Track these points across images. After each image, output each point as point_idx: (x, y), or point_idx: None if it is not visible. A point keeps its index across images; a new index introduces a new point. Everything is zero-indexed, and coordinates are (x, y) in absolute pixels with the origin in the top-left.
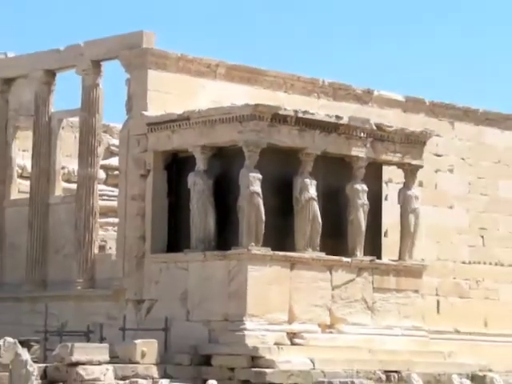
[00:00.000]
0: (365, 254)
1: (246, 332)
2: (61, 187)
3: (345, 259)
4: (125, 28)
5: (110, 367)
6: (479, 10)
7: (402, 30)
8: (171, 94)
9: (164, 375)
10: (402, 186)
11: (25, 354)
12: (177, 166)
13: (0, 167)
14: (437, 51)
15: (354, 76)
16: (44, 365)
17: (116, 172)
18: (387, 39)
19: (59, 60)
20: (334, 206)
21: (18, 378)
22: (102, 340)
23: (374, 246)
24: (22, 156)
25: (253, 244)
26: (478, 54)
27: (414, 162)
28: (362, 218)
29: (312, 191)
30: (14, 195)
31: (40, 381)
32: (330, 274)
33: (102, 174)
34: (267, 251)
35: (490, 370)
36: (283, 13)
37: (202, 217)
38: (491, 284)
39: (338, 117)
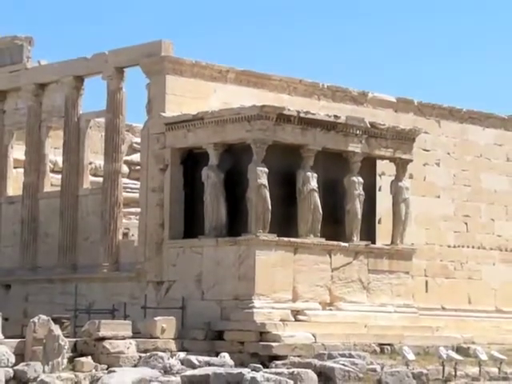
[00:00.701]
0: (361, 240)
1: (254, 310)
2: (88, 181)
3: (343, 244)
4: (145, 37)
5: (133, 342)
6: (464, 15)
7: (394, 37)
8: (186, 97)
9: (181, 349)
10: (393, 178)
11: (57, 330)
12: (192, 161)
13: (34, 163)
14: (425, 54)
15: (350, 79)
16: (74, 339)
17: (138, 167)
18: (380, 44)
19: (86, 67)
20: (333, 197)
21: (51, 352)
22: (125, 317)
23: (368, 232)
24: (54, 153)
25: (260, 231)
26: (461, 56)
27: (404, 157)
28: (358, 207)
29: (313, 183)
30: (47, 188)
31: (70, 354)
32: (330, 257)
33: (125, 169)
34: (273, 237)
35: (474, 343)
36: (287, 20)
37: (214, 206)
38: (474, 265)
39: (336, 116)
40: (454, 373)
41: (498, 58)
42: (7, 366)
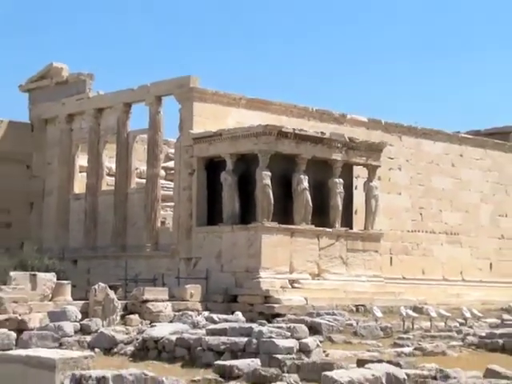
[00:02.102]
0: (341, 226)
1: (260, 279)
2: (135, 182)
3: (327, 230)
4: (177, 71)
5: (169, 303)
6: (421, 51)
7: (367, 71)
8: (209, 118)
9: (205, 309)
10: (366, 179)
11: (112, 294)
12: (213, 167)
13: (94, 168)
14: (390, 84)
15: (333, 103)
16: (125, 301)
17: (172, 171)
18: (356, 76)
19: (133, 96)
20: (320, 194)
21: (107, 311)
22: (163, 285)
23: (347, 221)
24: (109, 161)
25: (265, 220)
26: (416, 85)
27: (374, 163)
28: (339, 201)
29: (305, 184)
30: (104, 187)
31: (122, 312)
32: (318, 239)
33: (162, 173)
34: (275, 225)
35: (426, 304)
36: (285, 58)
37: (230, 202)
38: (427, 246)
39: (322, 133)
40: (411, 326)
41: (445, 87)
42: (75, 321)
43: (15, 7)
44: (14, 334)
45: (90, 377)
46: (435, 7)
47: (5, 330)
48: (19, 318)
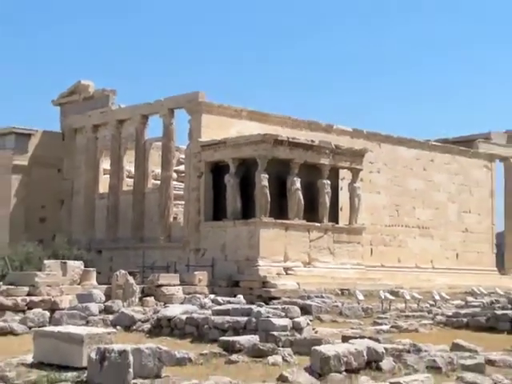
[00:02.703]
0: (329, 221)
1: (259, 267)
2: (151, 183)
3: (317, 224)
4: (188, 87)
5: (180, 287)
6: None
7: (352, 87)
8: (214, 128)
9: (211, 292)
10: (350, 181)
11: (131, 280)
12: (218, 170)
13: (116, 171)
14: (371, 96)
15: (321, 115)
16: (142, 286)
17: (182, 174)
18: (343, 88)
19: (149, 109)
20: (311, 193)
21: (127, 293)
22: (175, 272)
23: (334, 217)
24: (128, 165)
25: (263, 216)
26: (397, 93)
27: (357, 167)
28: (327, 200)
29: (297, 185)
30: (124, 188)
31: (140, 295)
32: (308, 233)
33: (174, 175)
34: (271, 220)
35: (401, 288)
36: (279, 74)
37: (233, 200)
38: (402, 238)
39: (312, 141)
40: (388, 307)
41: (418, 100)
42: (100, 302)
43: (45, 34)
44: (47, 313)
45: (113, 350)
46: (403, 20)
47: (40, 310)
48: (52, 299)
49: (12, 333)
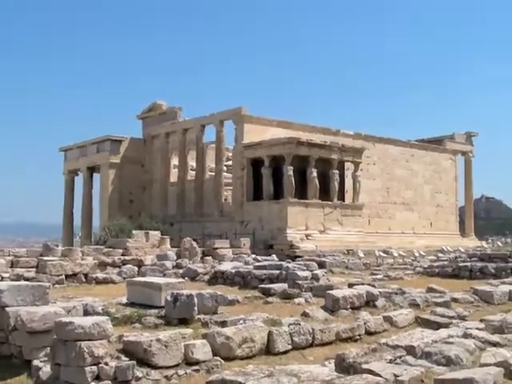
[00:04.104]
0: (337, 200)
1: (287, 234)
2: (208, 174)
3: (329, 202)
4: (233, 102)
5: (230, 250)
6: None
7: (355, 96)
8: (253, 134)
9: (253, 253)
10: (353, 171)
11: (195, 244)
12: (256, 164)
13: (182, 166)
14: (366, 107)
15: (330, 121)
16: (202, 249)
17: (230, 167)
18: (347, 102)
19: (206, 120)
20: (324, 180)
21: (192, 254)
22: (226, 238)
23: (341, 197)
24: (191, 161)
25: (289, 197)
26: (383, 107)
27: (357, 160)
28: (336, 185)
29: (314, 174)
30: (188, 178)
31: (201, 255)
32: (323, 209)
33: (224, 168)
34: (295, 200)
35: (391, 248)
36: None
37: (267, 186)
38: (391, 212)
39: (325, 142)
40: (382, 262)
41: (404, 107)
42: (172, 261)
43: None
44: (136, 268)
45: (183, 294)
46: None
47: (131, 266)
48: (139, 258)
49: (112, 282)
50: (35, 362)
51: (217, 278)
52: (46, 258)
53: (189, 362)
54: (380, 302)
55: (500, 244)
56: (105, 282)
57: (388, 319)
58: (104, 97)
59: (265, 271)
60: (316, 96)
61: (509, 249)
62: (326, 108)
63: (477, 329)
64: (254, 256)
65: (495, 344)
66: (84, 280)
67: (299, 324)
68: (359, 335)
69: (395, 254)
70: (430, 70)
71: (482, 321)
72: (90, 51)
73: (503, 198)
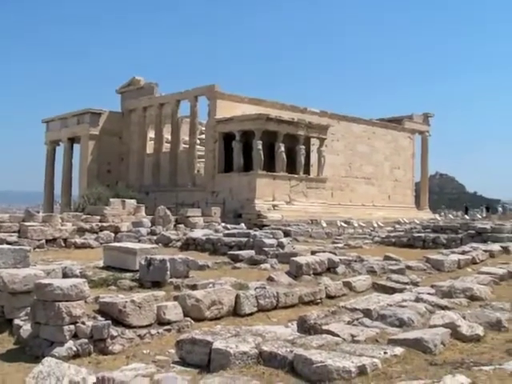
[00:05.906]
0: (303, 174)
1: (255, 205)
2: (182, 146)
3: (295, 175)
4: (207, 79)
5: (201, 218)
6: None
7: (324, 78)
8: (226, 109)
9: (223, 222)
10: (318, 146)
11: (168, 212)
12: (228, 138)
13: (158, 138)
14: (335, 87)
15: (298, 99)
16: (176, 216)
17: (203, 140)
18: (315, 78)
19: (181, 96)
20: (291, 155)
21: (166, 222)
22: (198, 207)
23: (307, 170)
24: (167, 134)
25: (258, 169)
26: (357, 81)
27: (323, 137)
28: (302, 159)
29: (282, 149)
30: (163, 150)
31: (174, 223)
32: (289, 181)
33: (197, 141)
34: (264, 172)
35: (351, 219)
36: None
37: (237, 158)
38: (353, 185)
39: (292, 118)
40: (343, 232)
41: (368, 88)
42: (147, 227)
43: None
44: (112, 234)
45: (156, 259)
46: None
47: (108, 232)
48: (115, 225)
49: (90, 246)
50: (16, 321)
51: (189, 245)
52: (27, 224)
53: (161, 322)
54: (340, 269)
55: (451, 217)
56: (83, 246)
57: (347, 284)
58: (86, 70)
59: (234, 239)
60: (286, 75)
61: (459, 221)
62: (296, 86)
63: (428, 294)
64: (223, 224)
65: (444, 307)
66: (63, 245)
67: (265, 288)
68: (320, 299)
69: (355, 225)
70: (392, 51)
71: (432, 286)
72: (75, 21)
73: (456, 175)
